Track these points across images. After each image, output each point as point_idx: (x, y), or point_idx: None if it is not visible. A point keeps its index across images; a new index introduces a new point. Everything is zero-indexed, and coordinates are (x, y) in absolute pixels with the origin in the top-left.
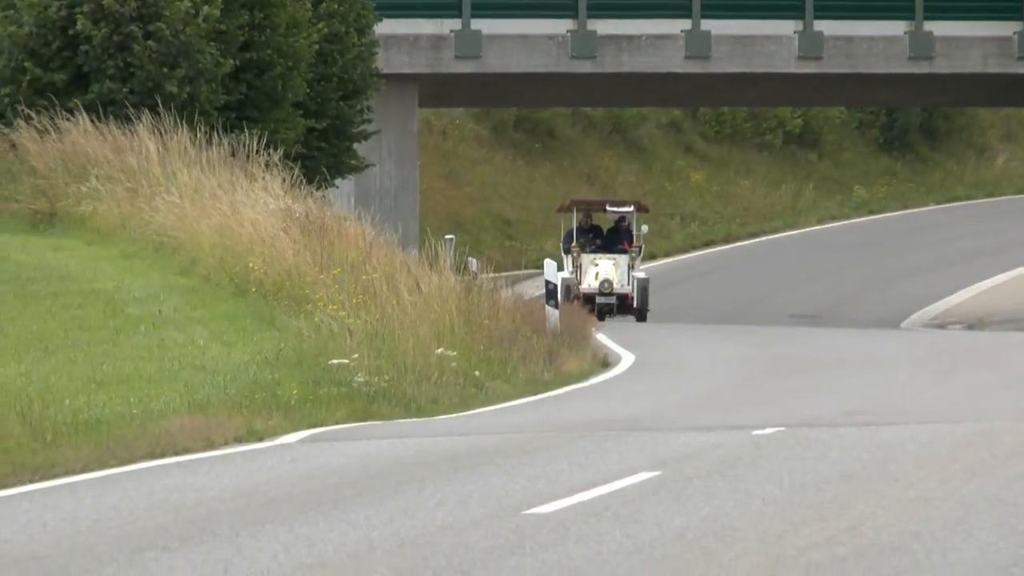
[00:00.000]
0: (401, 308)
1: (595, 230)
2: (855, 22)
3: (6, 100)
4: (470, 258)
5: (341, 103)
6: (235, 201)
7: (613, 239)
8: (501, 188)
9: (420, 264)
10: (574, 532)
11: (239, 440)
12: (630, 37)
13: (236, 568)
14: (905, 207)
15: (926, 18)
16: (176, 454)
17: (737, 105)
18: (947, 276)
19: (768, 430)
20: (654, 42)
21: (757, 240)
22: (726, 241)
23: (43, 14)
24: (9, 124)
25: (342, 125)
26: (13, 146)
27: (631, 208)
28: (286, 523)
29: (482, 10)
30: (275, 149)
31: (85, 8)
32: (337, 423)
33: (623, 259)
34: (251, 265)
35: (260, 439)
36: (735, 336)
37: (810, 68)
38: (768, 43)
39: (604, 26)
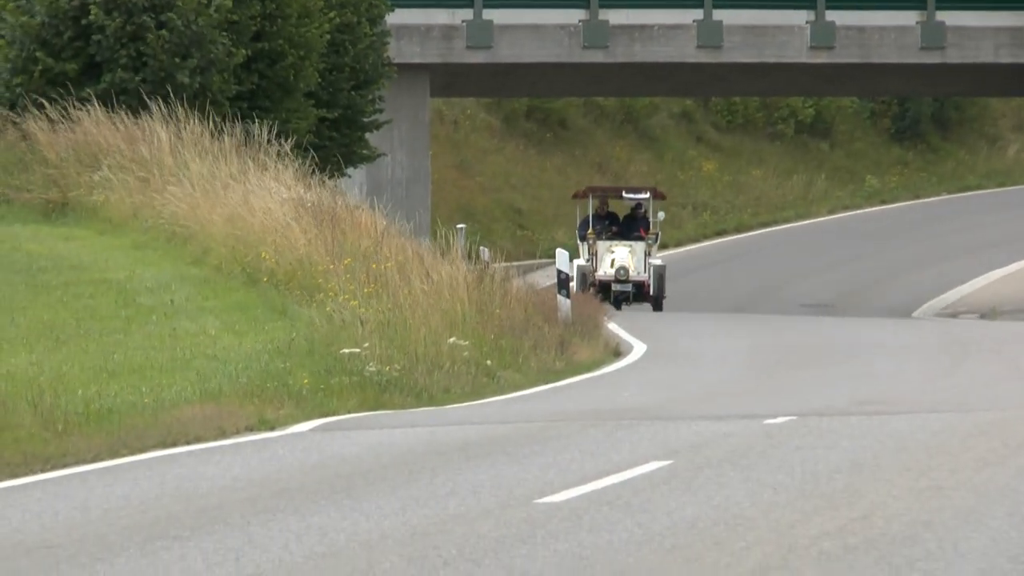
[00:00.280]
0: (413, 297)
1: (611, 217)
2: (867, 12)
3: (18, 90)
4: (482, 247)
5: (353, 93)
6: (247, 191)
7: (629, 226)
8: (513, 178)
9: (432, 253)
10: (585, 521)
11: (251, 429)
12: (642, 27)
13: (247, 557)
14: (917, 197)
15: (938, 8)
16: (188, 443)
17: (749, 95)
18: (959, 265)
19: (779, 419)
20: (666, 32)
21: (769, 230)
22: (738, 231)
23: (55, 4)
24: (21, 114)
25: (354, 115)
26: (25, 136)
27: (647, 195)
28: (298, 512)
29: (494, 0)
30: (287, 139)
31: None
32: (349, 412)
33: (639, 246)
34: (263, 255)
35: (272, 428)
36: (747, 325)
37: (822, 58)
38: (780, 33)
39: (616, 16)
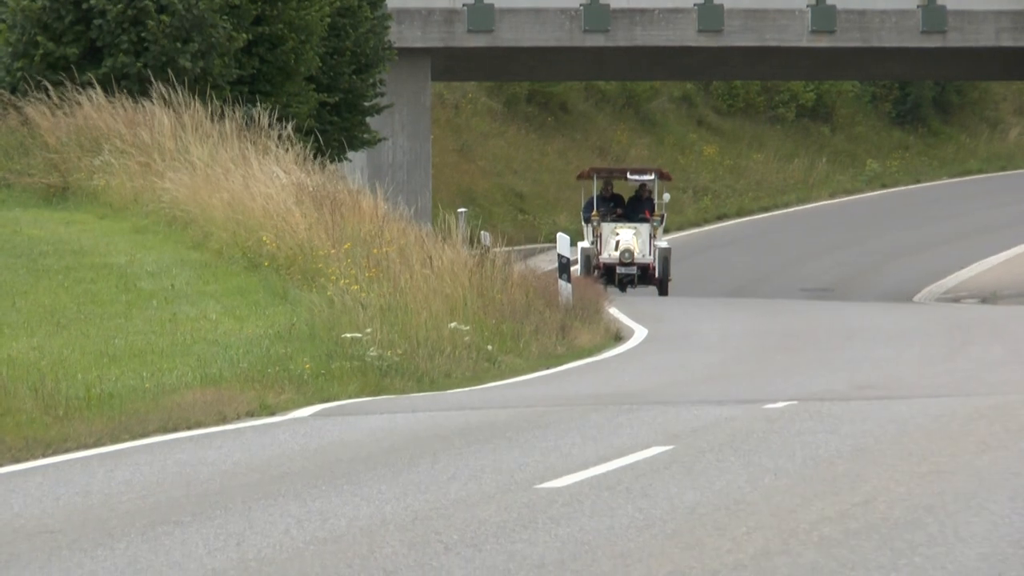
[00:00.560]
0: (414, 282)
1: (616, 199)
2: None
3: (19, 74)
4: (483, 232)
5: (354, 77)
6: (248, 175)
7: (634, 208)
8: (514, 162)
9: (433, 238)
10: (586, 506)
11: (251, 414)
12: (643, 11)
13: (248, 542)
14: (918, 181)
15: None
16: (188, 428)
17: (750, 79)
18: (960, 249)
19: (780, 404)
20: (667, 15)
21: (769, 214)
22: (738, 215)
23: None
24: (22, 98)
25: (354, 99)
26: (26, 120)
27: (652, 176)
28: (299, 497)
29: None
30: (288, 123)
31: None
32: (350, 397)
33: (644, 228)
34: (264, 239)
35: (272, 413)
36: (747, 310)
37: (823, 42)
38: (781, 16)
39: (617, 0)
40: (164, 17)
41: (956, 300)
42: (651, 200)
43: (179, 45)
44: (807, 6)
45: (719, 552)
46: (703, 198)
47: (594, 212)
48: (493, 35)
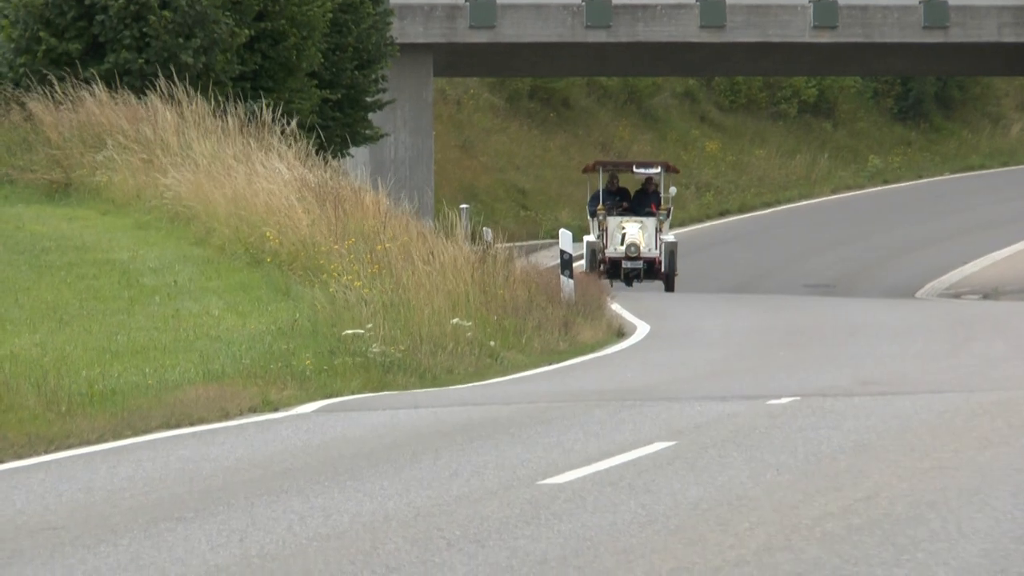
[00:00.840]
0: (416, 278)
1: (622, 192)
2: None
3: (21, 70)
4: (485, 228)
5: (356, 73)
6: (250, 171)
7: (640, 201)
8: (516, 158)
9: (435, 234)
10: (589, 502)
11: (254, 410)
12: (645, 6)
13: (251, 538)
14: (920, 176)
15: None
16: (191, 424)
17: (752, 74)
18: (962, 245)
19: (783, 400)
20: (669, 11)
21: (772, 210)
22: (741, 211)
23: None
24: (25, 93)
25: (357, 95)
26: (29, 116)
27: (659, 169)
28: (301, 493)
29: None
30: (290, 119)
31: None
32: (352, 393)
33: (650, 222)
34: (266, 235)
35: (275, 409)
36: (750, 306)
37: (825, 37)
38: (783, 12)
39: None
40: (166, 13)
41: (958, 296)
42: (657, 193)
43: (181, 41)
44: (809, 1)
45: (721, 548)
46: (705, 194)
47: (600, 206)
48: (495, 31)
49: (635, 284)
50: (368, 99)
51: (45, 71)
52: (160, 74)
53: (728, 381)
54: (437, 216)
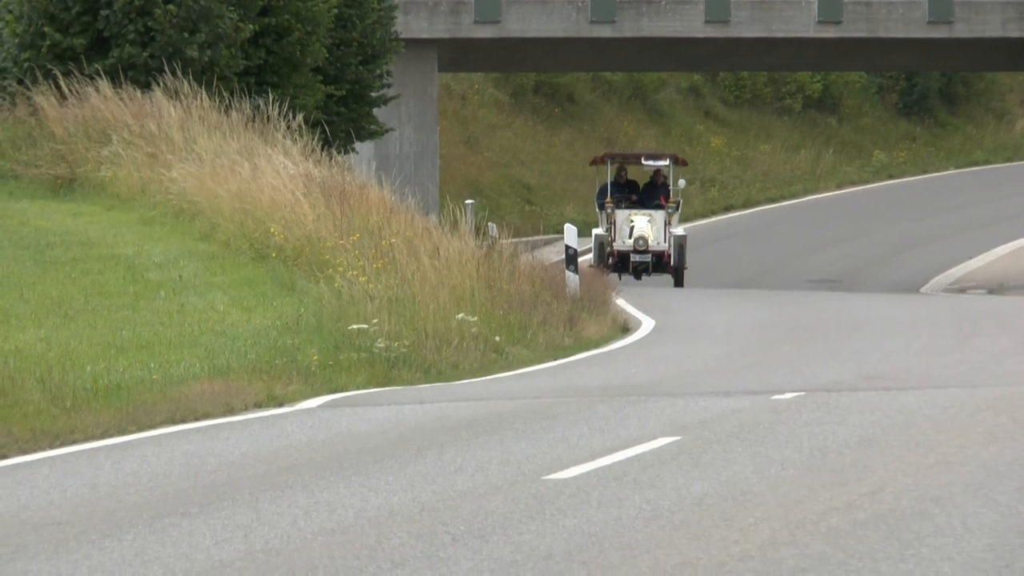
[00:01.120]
0: (421, 273)
1: (631, 185)
2: None
3: (26, 65)
4: (490, 223)
5: (360, 68)
6: (255, 166)
7: (649, 194)
8: (521, 153)
9: (440, 229)
10: (594, 497)
11: (259, 405)
12: (650, 2)
13: (256, 533)
14: (924, 172)
15: None
16: (196, 420)
17: (757, 70)
18: (967, 240)
19: (787, 395)
20: (674, 6)
21: (776, 205)
22: (745, 206)
23: None
24: (29, 89)
25: (361, 90)
26: (33, 111)
27: (667, 161)
28: (306, 488)
29: None
30: (295, 115)
31: None
32: (357, 388)
33: (659, 215)
34: (271, 230)
35: (280, 404)
36: (755, 301)
37: (829, 32)
38: (787, 7)
39: None
40: (171, 7)
41: (963, 291)
42: (666, 186)
43: (186, 35)
44: None
45: (726, 543)
46: (710, 189)
47: (608, 199)
48: (500, 26)
49: (644, 278)
50: (373, 94)
51: (50, 66)
52: (165, 69)
53: (732, 376)
54: (442, 211)
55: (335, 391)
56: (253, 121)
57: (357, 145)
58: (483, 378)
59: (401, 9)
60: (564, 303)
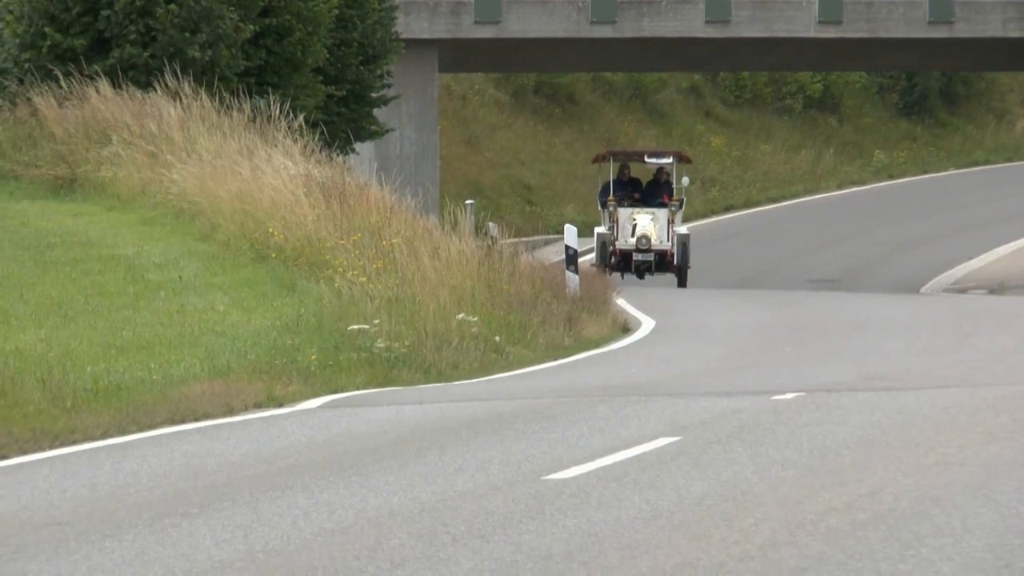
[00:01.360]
0: (421, 273)
1: (633, 183)
2: None
3: (26, 66)
4: (490, 223)
5: (361, 68)
6: (255, 167)
7: (652, 192)
8: (521, 153)
9: (440, 229)
10: (594, 498)
11: (259, 406)
12: (650, 2)
13: (256, 534)
14: (925, 172)
15: None
16: (196, 420)
17: (757, 70)
18: (967, 240)
19: (787, 395)
20: (674, 6)
21: (777, 205)
22: (746, 206)
23: None
24: (30, 89)
25: (362, 90)
26: (34, 112)
27: (671, 159)
28: (306, 489)
29: None
30: (295, 115)
31: None
32: (357, 389)
33: (662, 213)
34: (271, 231)
35: (280, 405)
36: (755, 301)
37: (830, 32)
38: (788, 7)
39: None
40: (172, 7)
41: (964, 291)
42: (669, 184)
43: (187, 36)
44: None
45: (726, 543)
46: (711, 189)
47: (610, 197)
48: (500, 26)
49: (646, 277)
50: (373, 95)
51: (50, 66)
52: (165, 69)
53: (733, 377)
54: (442, 212)
55: (335, 391)
56: (253, 121)
57: (357, 145)
58: (483, 378)
59: (402, 9)
60: (564, 303)
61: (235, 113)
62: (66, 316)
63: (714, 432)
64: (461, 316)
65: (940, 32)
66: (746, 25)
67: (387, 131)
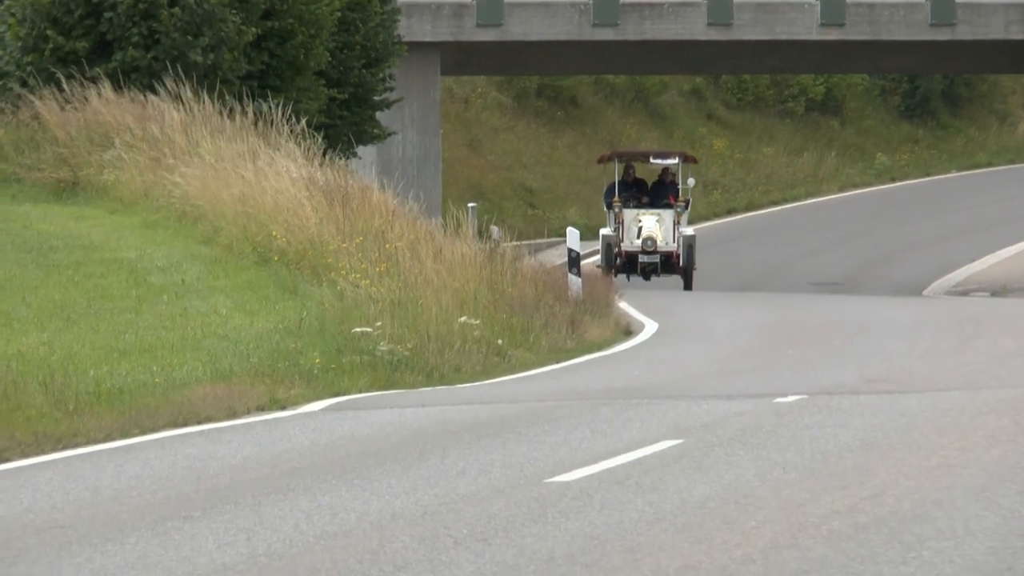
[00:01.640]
0: (424, 276)
1: (639, 184)
2: None
3: (28, 69)
4: (492, 226)
5: (363, 71)
6: (258, 170)
7: (657, 193)
8: (523, 156)
9: (443, 232)
10: (596, 500)
11: (262, 409)
12: (652, 4)
13: (258, 537)
14: (927, 174)
15: None
16: (198, 423)
17: (759, 72)
18: (969, 243)
19: (790, 398)
20: (676, 9)
21: (779, 208)
22: (748, 209)
23: None
24: (32, 92)
25: (364, 93)
26: (36, 115)
27: (676, 159)
28: (308, 492)
29: None
30: (297, 118)
31: None
32: (360, 392)
33: (668, 215)
34: (274, 234)
35: (283, 408)
36: (757, 304)
37: (832, 35)
38: (790, 10)
39: None
40: (175, 10)
41: (966, 293)
42: (675, 185)
43: (190, 39)
44: None
45: (728, 546)
46: (713, 192)
47: (615, 198)
48: (502, 29)
49: (652, 279)
50: (376, 98)
51: (52, 69)
52: (168, 72)
53: (735, 379)
54: (445, 214)
55: (337, 394)
56: (256, 125)
57: (360, 149)
58: (485, 381)
59: (404, 12)
60: (566, 306)
61: (238, 116)
62: (68, 319)
63: (716, 435)
64: (463, 319)
65: (942, 34)
66: (748, 28)
67: (389, 134)
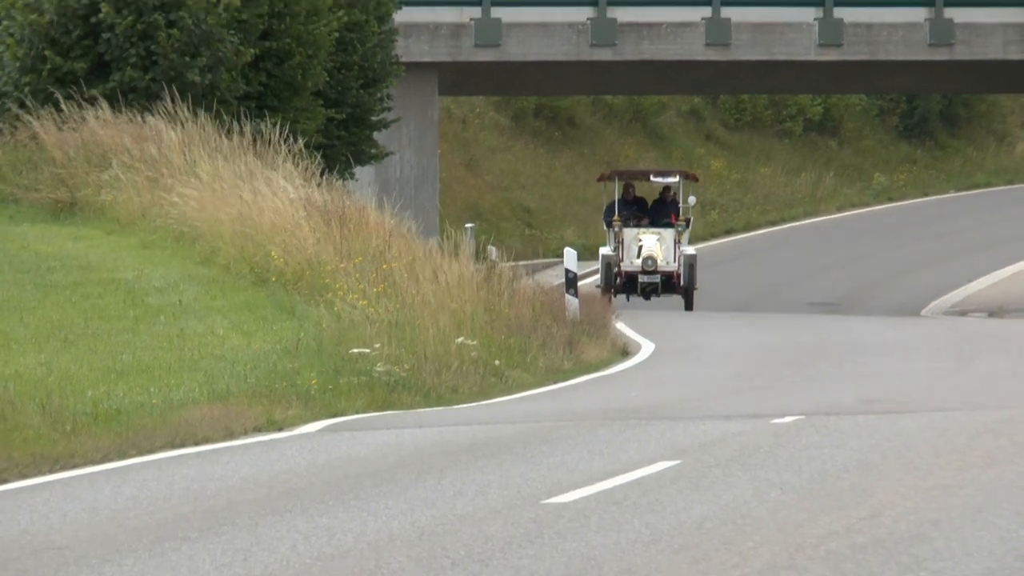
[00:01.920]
0: (421, 297)
1: (639, 202)
2: (875, 9)
3: (26, 89)
4: (490, 246)
5: (361, 91)
6: (255, 190)
7: (658, 212)
8: (521, 177)
9: (440, 253)
10: (593, 521)
11: (259, 430)
12: (650, 25)
13: (255, 558)
14: (925, 194)
15: (946, 4)
16: (196, 444)
17: (757, 92)
18: (967, 263)
19: (787, 419)
20: (674, 30)
21: (777, 228)
22: (746, 229)
23: (64, 2)
24: (30, 113)
25: (362, 113)
26: (34, 135)
27: (677, 178)
28: (306, 513)
29: None
30: (295, 138)
31: None
32: (357, 412)
33: (668, 234)
34: (271, 254)
35: (280, 429)
36: (755, 324)
37: (830, 55)
38: (788, 30)
39: (624, 13)
40: (173, 31)
41: (963, 314)
42: (676, 203)
43: (187, 59)
44: (814, 20)
45: (726, 567)
46: (710, 212)
47: (615, 217)
48: (500, 49)
49: (652, 299)
50: (373, 118)
51: (51, 90)
52: (166, 92)
53: (732, 400)
54: (442, 235)
55: (335, 415)
56: (254, 145)
57: (357, 169)
58: (483, 402)
59: (402, 33)
60: (564, 327)
61: (235, 136)
62: (66, 340)
63: (714, 455)
64: (461, 340)
65: (940, 55)
66: (746, 48)
67: (387, 154)
